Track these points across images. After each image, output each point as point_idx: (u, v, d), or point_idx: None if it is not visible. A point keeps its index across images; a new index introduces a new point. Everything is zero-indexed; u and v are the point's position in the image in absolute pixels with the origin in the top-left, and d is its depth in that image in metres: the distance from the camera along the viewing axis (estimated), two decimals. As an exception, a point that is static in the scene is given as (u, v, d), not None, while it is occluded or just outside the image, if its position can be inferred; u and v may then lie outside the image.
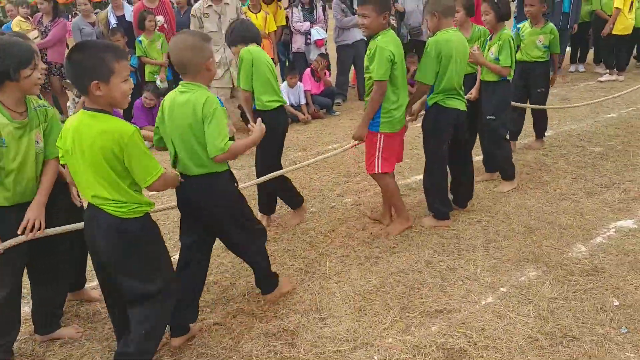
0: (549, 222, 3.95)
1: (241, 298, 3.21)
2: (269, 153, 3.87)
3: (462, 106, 3.83)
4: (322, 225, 4.12)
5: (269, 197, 4.13)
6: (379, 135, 3.65)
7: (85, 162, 2.19)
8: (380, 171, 3.72)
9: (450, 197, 4.18)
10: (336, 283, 3.31)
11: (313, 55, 8.09)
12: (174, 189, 2.65)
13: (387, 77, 3.45)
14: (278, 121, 3.82)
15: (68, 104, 6.69)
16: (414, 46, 8.81)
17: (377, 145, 3.67)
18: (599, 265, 3.37)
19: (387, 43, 3.44)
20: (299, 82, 7.38)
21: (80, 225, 2.84)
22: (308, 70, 7.74)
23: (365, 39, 7.84)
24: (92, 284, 3.42)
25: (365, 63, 3.58)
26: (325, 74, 7.86)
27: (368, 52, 3.51)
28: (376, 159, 3.69)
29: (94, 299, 3.24)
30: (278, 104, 3.80)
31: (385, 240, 3.82)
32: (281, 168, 3.96)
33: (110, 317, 2.64)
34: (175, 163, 2.68)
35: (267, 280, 3.15)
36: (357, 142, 3.92)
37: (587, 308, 2.96)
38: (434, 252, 3.62)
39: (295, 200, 4.14)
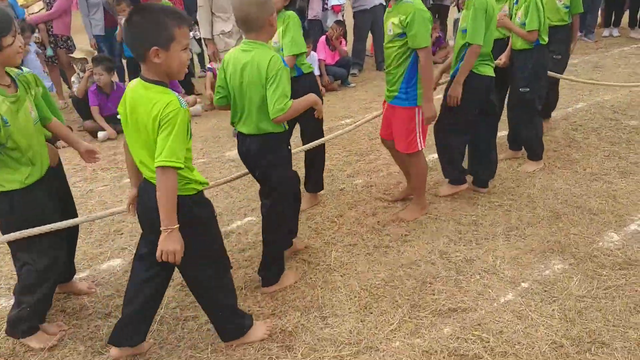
0: (577, 207, 3.60)
1: (237, 292, 2.97)
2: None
3: (492, 73, 3.57)
4: (330, 209, 3.84)
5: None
6: (416, 109, 3.30)
7: (137, 133, 2.09)
8: (422, 147, 3.42)
9: (470, 178, 3.89)
10: (341, 276, 3.05)
11: (330, 21, 7.70)
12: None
13: (430, 41, 3.16)
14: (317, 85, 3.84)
15: (73, 78, 6.48)
16: (436, 11, 8.33)
17: (417, 120, 3.33)
18: (632, 257, 3.03)
19: (422, 4, 3.14)
20: (312, 52, 7.00)
21: (76, 220, 2.80)
22: (323, 38, 7.34)
23: (384, 3, 7.41)
24: (82, 275, 3.24)
25: (396, 31, 3.15)
26: (340, 42, 7.46)
27: (403, 17, 3.07)
28: (417, 136, 3.36)
29: (82, 292, 3.05)
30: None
31: (397, 227, 3.52)
32: (323, 135, 3.74)
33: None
34: (234, 122, 2.73)
35: (273, 269, 2.95)
36: (374, 116, 3.60)
37: (620, 308, 2.64)
38: (450, 240, 3.32)
39: (319, 183, 3.91)
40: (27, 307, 2.54)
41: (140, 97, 2.05)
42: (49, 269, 2.53)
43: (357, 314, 2.73)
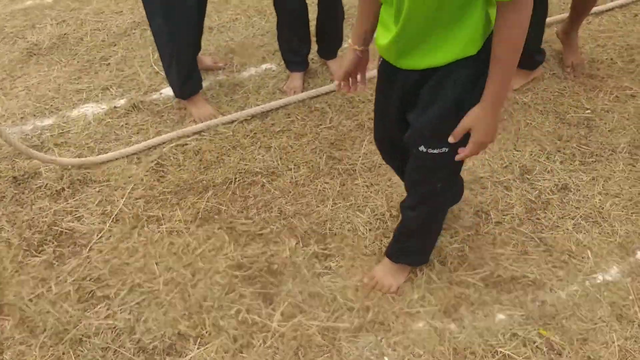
0: None
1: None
2: None
3: None
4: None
5: None
6: None
7: None
8: None
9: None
10: (367, 187, 2.13)
11: None
12: None
13: None
14: None
15: None
16: None
17: None
18: None
19: None
20: None
21: None
22: None
23: None
24: (47, 122, 2.50)
25: None
26: None
27: None
28: None
29: (208, 68, 2.72)
30: None
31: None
32: None
33: None
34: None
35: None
36: None
37: None
38: (549, 145, 2.23)
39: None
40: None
41: None
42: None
43: (374, 257, 1.88)
